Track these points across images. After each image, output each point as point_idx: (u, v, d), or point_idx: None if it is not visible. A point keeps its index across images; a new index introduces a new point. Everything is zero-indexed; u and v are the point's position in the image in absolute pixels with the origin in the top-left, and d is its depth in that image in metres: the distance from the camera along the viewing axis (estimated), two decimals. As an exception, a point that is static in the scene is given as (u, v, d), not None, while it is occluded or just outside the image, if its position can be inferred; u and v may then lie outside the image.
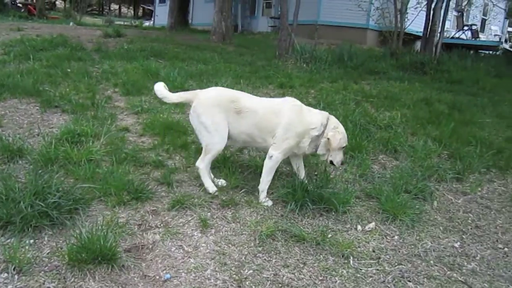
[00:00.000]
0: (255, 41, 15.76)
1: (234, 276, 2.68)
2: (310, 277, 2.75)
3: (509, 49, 20.29)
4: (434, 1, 12.19)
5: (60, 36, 10.18)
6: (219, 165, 3.94)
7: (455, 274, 2.90)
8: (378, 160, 4.58)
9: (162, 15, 25.78)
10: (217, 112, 3.39)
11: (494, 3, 21.53)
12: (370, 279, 2.77)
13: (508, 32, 25.96)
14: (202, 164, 3.54)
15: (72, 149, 3.91)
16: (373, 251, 3.07)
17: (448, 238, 3.33)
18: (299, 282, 2.69)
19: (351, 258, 2.95)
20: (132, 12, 57.02)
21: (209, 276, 2.67)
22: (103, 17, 36.49)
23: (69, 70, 6.92)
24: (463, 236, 3.38)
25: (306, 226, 3.27)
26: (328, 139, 3.46)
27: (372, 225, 3.37)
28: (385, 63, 10.49)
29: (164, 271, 2.66)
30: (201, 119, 3.41)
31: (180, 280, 2.60)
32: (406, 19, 12.48)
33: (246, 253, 2.92)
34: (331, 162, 3.59)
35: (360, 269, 2.85)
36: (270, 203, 3.51)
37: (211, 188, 3.59)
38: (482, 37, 22.90)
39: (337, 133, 3.47)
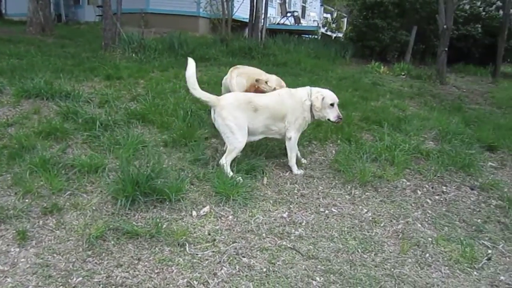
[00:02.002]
0: (81, 31, 14.72)
1: (61, 287, 2.46)
2: (145, 272, 2.66)
3: (326, 32, 22.61)
4: (256, -11, 12.85)
5: None
6: (37, 169, 3.55)
7: (284, 242, 3.10)
8: (211, 144, 4.65)
9: (-34, 5, 22.21)
10: (239, 114, 3.87)
11: (309, -9, 23.71)
12: (206, 262, 2.80)
13: (324, 17, 28.89)
14: (225, 160, 3.90)
15: None
16: (209, 234, 3.10)
17: (278, 209, 3.55)
18: (133, 280, 2.58)
19: (187, 245, 2.94)
20: None
21: (31, 293, 2.39)
22: None
23: None
24: (291, 206, 3.63)
25: (139, 221, 3.15)
26: (312, 101, 4.10)
27: (206, 209, 3.40)
28: (215, 50, 10.72)
29: (-27, 299, 2.31)
30: (226, 121, 3.84)
31: (-5, 305, 2.29)
32: (232, 7, 12.91)
33: (74, 260, 2.70)
34: (329, 120, 4.18)
35: (197, 254, 2.86)
36: (301, 171, 4.23)
37: (231, 174, 3.84)
38: (303, 22, 25.09)
39: (318, 95, 4.07)
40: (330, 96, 4.14)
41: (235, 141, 3.88)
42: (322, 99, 4.07)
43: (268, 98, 4.16)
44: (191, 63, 3.81)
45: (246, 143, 4.02)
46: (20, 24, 15.60)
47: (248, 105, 3.95)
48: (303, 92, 4.18)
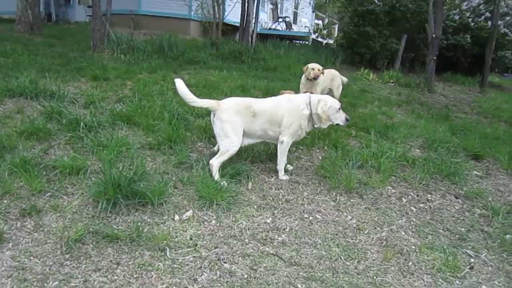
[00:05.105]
0: (71, 31, 14.60)
1: (36, 291, 2.39)
2: (124, 276, 2.60)
3: (317, 39, 22.70)
4: (248, -7, 12.84)
5: None
6: (17, 169, 3.48)
7: (267, 248, 3.06)
8: (196, 148, 4.60)
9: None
10: (237, 119, 3.94)
11: (301, -2, 23.82)
12: (187, 267, 2.75)
13: (316, 24, 29.01)
14: (216, 162, 3.91)
15: None
16: (191, 239, 3.05)
17: (262, 215, 3.51)
18: (112, 284, 2.53)
19: (168, 249, 2.89)
20: None
21: (4, 297, 2.33)
22: None
23: None
24: (275, 212, 3.59)
25: (120, 224, 3.09)
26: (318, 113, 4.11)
27: (189, 213, 3.36)
28: (205, 53, 10.69)
29: None
30: (224, 125, 3.90)
31: (-33, 310, 2.22)
32: (224, 10, 12.90)
33: (51, 263, 2.63)
34: (337, 124, 4.27)
35: (177, 259, 2.81)
36: (286, 177, 4.23)
37: (219, 178, 3.85)
38: (295, 28, 25.14)
39: (323, 105, 4.08)
40: (335, 102, 4.19)
41: (230, 144, 3.90)
42: (328, 108, 4.09)
43: (267, 102, 4.21)
44: (179, 82, 3.91)
45: (241, 147, 4.05)
46: (8, 22, 15.39)
47: (247, 110, 4.00)
48: (301, 99, 4.20)
